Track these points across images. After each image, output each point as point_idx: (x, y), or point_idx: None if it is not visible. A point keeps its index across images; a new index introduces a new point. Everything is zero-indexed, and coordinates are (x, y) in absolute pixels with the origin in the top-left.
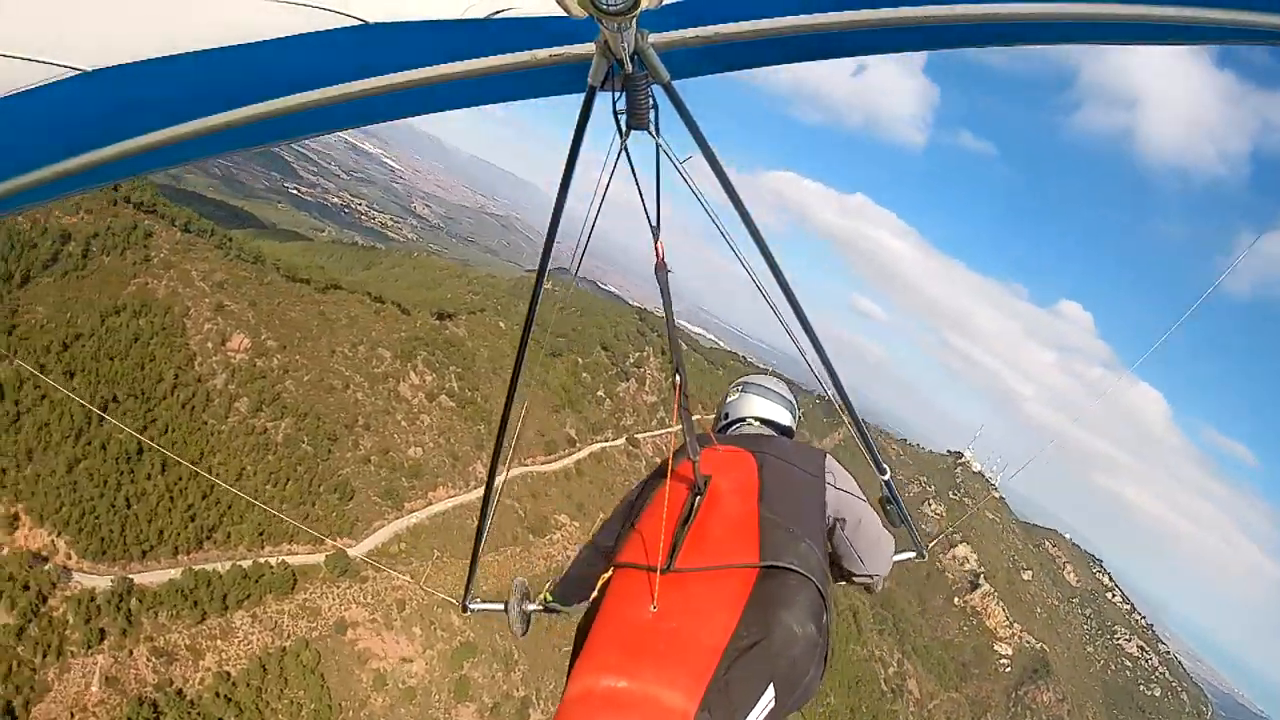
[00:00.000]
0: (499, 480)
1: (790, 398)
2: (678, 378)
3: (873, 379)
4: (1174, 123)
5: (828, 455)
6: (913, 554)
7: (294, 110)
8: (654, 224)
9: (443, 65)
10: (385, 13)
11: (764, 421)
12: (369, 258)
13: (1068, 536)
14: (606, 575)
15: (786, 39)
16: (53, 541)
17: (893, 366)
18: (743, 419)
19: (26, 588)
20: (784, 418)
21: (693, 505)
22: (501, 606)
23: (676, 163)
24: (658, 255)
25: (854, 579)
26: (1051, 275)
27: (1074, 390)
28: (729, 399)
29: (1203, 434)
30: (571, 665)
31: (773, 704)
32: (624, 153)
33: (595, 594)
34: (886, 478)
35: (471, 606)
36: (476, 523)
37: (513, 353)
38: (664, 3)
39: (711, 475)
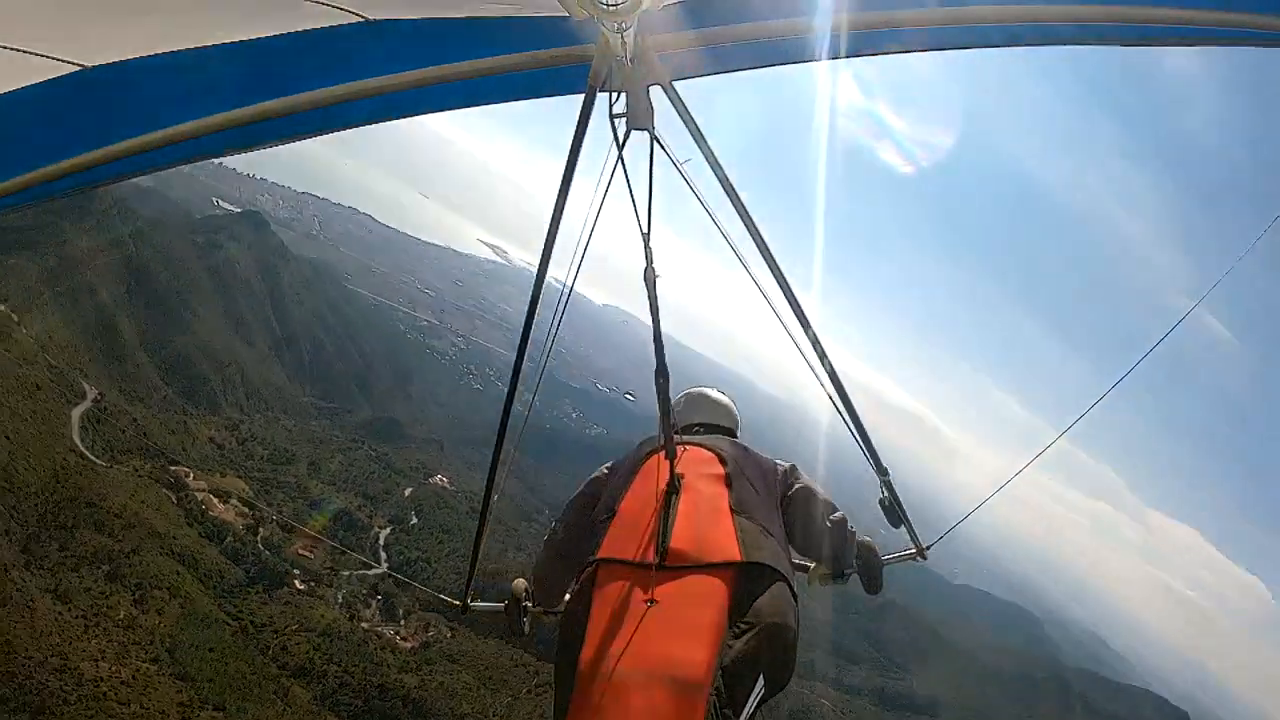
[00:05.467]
0: (498, 480)
1: (730, 403)
2: (660, 380)
3: None
4: None
5: (785, 462)
6: (912, 554)
7: (295, 109)
8: (645, 228)
9: (444, 65)
10: (387, 10)
11: (709, 426)
12: None
13: None
14: (590, 569)
15: (784, 41)
16: None
17: None
18: (691, 424)
19: None
20: (728, 421)
21: (670, 502)
22: (502, 606)
23: (677, 163)
24: (647, 259)
25: (839, 572)
26: None
27: None
28: (676, 407)
29: None
30: (566, 656)
31: (763, 691)
32: (619, 159)
33: (578, 586)
34: (887, 478)
35: (472, 606)
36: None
37: None
38: (664, 4)
39: (684, 473)
